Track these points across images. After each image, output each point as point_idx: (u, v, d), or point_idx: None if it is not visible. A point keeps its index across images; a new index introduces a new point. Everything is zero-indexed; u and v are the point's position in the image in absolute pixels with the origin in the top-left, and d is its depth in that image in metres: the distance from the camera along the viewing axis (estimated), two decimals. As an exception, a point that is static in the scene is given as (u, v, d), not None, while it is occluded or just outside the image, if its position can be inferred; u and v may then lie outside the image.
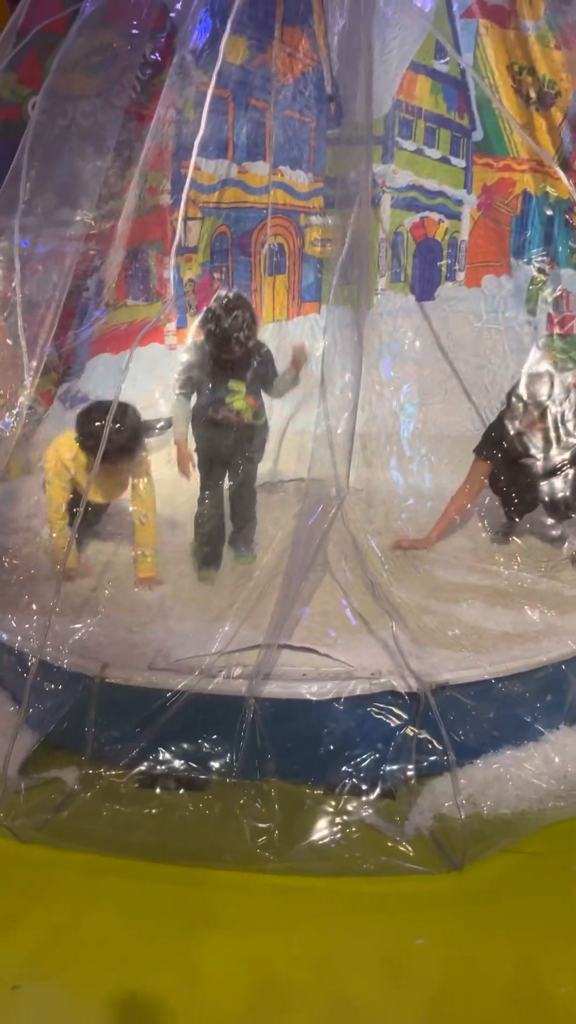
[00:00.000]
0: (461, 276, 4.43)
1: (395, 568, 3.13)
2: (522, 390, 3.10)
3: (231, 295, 3.05)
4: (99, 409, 2.92)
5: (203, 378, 3.08)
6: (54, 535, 3.08)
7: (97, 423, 2.86)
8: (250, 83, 3.99)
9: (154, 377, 3.56)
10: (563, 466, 2.93)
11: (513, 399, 3.20)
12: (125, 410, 2.90)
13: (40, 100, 3.28)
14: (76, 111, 3.52)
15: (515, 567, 3.21)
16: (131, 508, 3.15)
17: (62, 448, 3.06)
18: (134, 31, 3.48)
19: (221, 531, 3.25)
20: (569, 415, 2.86)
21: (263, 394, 3.19)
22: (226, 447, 3.16)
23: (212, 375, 3.09)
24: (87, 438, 2.96)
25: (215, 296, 3.05)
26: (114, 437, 2.79)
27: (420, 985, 1.94)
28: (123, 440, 2.90)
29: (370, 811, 2.34)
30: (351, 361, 2.70)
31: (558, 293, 4.13)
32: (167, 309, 3.58)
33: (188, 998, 1.88)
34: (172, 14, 3.55)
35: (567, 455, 2.90)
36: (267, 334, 4.36)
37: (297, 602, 2.70)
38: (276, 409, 3.76)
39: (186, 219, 3.92)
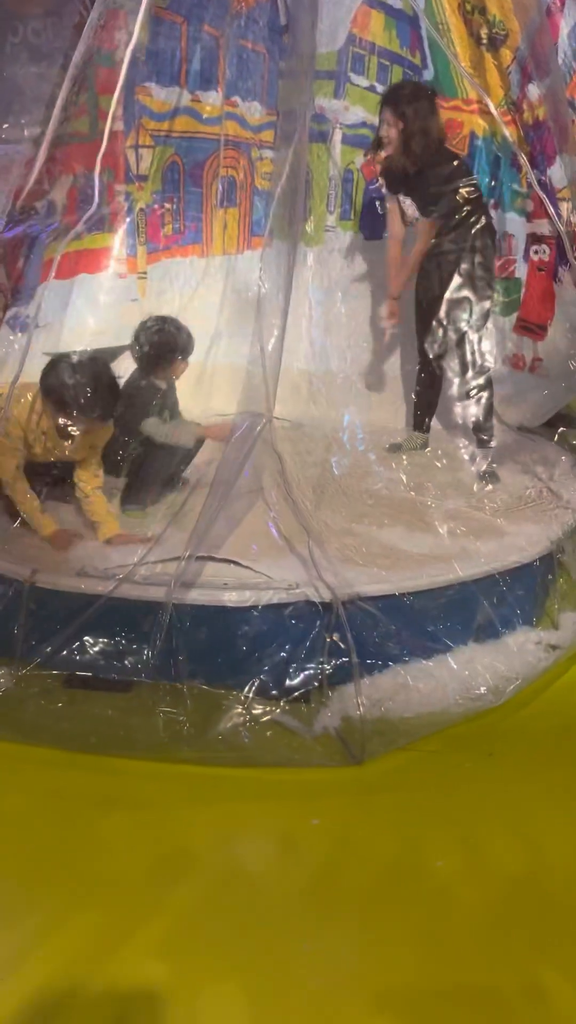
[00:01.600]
0: (409, 217, 4.46)
1: (324, 494, 3.26)
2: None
3: (156, 316, 3.18)
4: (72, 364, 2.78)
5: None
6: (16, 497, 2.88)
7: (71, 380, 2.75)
8: (205, 9, 3.96)
9: (99, 306, 3.62)
10: (477, 390, 3.05)
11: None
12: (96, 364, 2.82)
13: (-14, 15, 3.25)
14: (27, 29, 3.49)
15: (441, 496, 3.37)
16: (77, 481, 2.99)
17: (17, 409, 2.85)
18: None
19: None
20: (486, 342, 2.97)
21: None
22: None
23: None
24: (58, 395, 2.77)
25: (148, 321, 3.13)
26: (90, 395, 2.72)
27: (310, 857, 2.11)
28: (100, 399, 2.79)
29: (281, 711, 2.50)
30: (282, 288, 2.79)
31: (499, 236, 4.19)
32: (95, 217, 3.51)
33: (92, 868, 2.03)
34: None
35: (481, 380, 3.02)
36: (215, 265, 4.42)
37: (225, 518, 2.81)
38: (206, 344, 3.81)
39: (138, 146, 3.92)
